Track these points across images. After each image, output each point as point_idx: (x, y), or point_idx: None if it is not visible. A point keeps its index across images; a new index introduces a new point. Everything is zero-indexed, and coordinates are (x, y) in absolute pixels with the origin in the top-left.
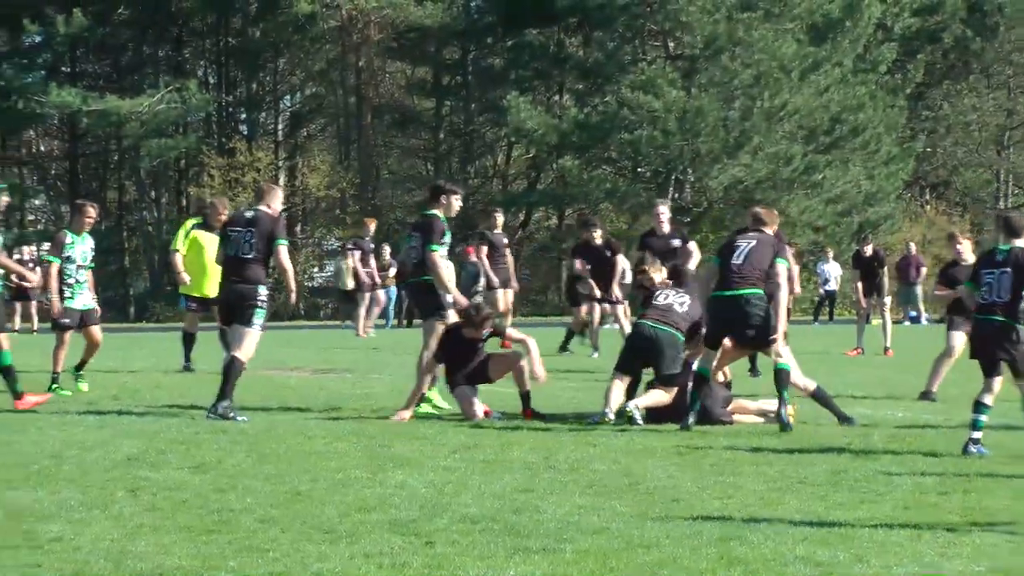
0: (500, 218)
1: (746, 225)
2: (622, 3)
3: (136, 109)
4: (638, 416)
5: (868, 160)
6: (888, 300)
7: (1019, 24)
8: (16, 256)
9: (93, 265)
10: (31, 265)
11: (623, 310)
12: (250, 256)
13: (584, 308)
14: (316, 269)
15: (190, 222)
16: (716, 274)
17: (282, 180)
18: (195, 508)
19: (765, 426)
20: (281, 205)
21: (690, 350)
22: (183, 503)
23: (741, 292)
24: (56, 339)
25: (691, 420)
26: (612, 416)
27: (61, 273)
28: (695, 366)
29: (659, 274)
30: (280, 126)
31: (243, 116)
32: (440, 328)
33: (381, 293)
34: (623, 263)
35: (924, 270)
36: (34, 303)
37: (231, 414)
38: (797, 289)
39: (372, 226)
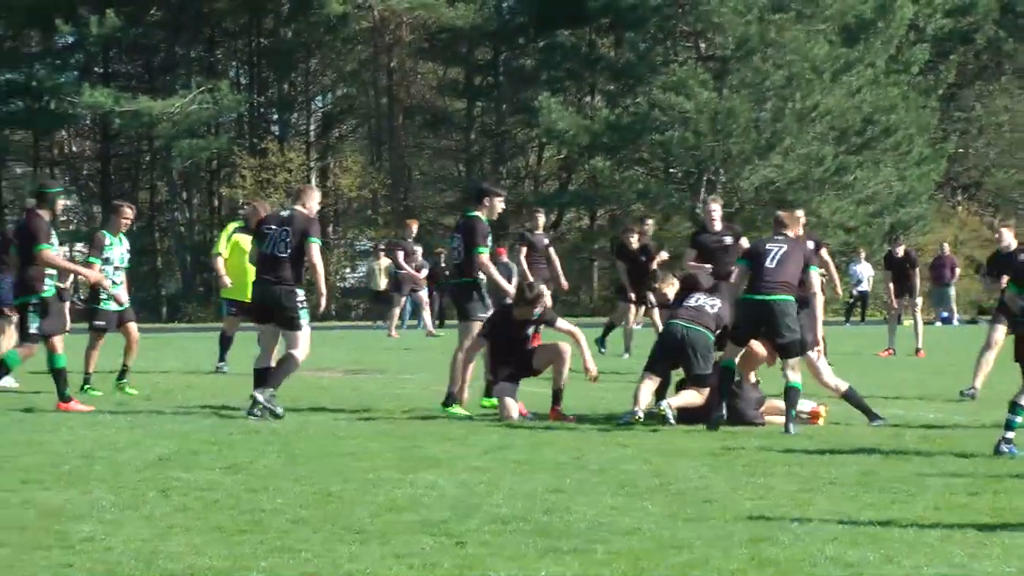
0: (542, 218)
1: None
2: (654, 4)
3: (168, 110)
4: (671, 415)
5: (900, 161)
6: (919, 301)
7: None
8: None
9: (129, 266)
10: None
11: (658, 313)
12: (284, 255)
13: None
14: (348, 270)
15: (232, 225)
16: (745, 276)
17: (314, 181)
18: (227, 509)
19: (797, 427)
20: (318, 206)
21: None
22: (215, 504)
23: (775, 298)
24: (89, 340)
25: (720, 414)
26: (641, 415)
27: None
28: (721, 361)
29: (671, 288)
30: (312, 127)
31: (275, 117)
32: (476, 328)
33: (423, 293)
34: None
35: (958, 271)
36: (66, 304)
37: (274, 404)
38: (839, 291)
39: (414, 227)
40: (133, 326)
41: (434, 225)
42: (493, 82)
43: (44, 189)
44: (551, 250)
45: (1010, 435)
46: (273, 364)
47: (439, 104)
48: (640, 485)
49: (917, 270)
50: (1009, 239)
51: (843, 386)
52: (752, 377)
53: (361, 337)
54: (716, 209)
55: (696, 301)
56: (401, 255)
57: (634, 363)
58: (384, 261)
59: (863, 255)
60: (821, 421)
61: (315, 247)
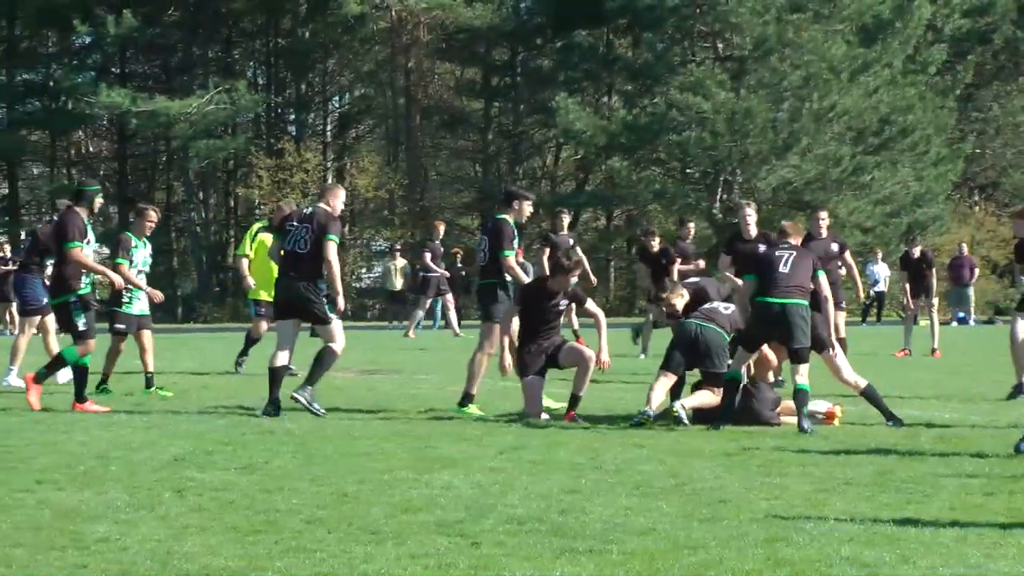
0: (567, 218)
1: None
2: (671, 4)
3: (185, 110)
4: (684, 416)
5: (917, 161)
6: (936, 301)
7: None
8: None
9: (149, 271)
10: None
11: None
12: (304, 251)
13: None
14: (364, 270)
15: (256, 225)
16: (755, 283)
17: (330, 181)
18: (242, 509)
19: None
20: (342, 205)
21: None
22: (230, 504)
23: (789, 301)
24: (112, 343)
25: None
26: (652, 414)
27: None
28: (727, 372)
29: (681, 299)
30: (329, 127)
31: (292, 117)
32: (497, 330)
33: (450, 296)
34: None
35: (976, 271)
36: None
37: (314, 403)
38: (861, 294)
39: (441, 228)
40: (148, 333)
41: (450, 226)
42: (510, 82)
43: (83, 187)
44: (578, 249)
45: None
46: (287, 363)
47: (456, 104)
48: (655, 485)
49: (933, 270)
50: None
51: (862, 383)
52: (770, 377)
53: (377, 337)
54: (751, 214)
55: (710, 303)
56: (429, 256)
57: (651, 363)
58: (400, 261)
59: (880, 255)
60: (836, 422)
61: (332, 245)
